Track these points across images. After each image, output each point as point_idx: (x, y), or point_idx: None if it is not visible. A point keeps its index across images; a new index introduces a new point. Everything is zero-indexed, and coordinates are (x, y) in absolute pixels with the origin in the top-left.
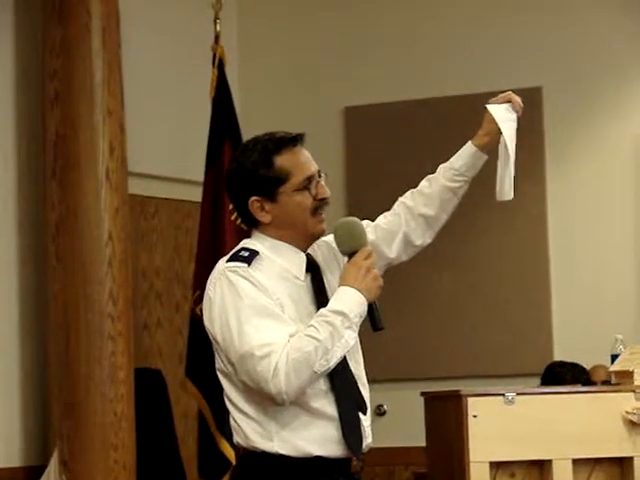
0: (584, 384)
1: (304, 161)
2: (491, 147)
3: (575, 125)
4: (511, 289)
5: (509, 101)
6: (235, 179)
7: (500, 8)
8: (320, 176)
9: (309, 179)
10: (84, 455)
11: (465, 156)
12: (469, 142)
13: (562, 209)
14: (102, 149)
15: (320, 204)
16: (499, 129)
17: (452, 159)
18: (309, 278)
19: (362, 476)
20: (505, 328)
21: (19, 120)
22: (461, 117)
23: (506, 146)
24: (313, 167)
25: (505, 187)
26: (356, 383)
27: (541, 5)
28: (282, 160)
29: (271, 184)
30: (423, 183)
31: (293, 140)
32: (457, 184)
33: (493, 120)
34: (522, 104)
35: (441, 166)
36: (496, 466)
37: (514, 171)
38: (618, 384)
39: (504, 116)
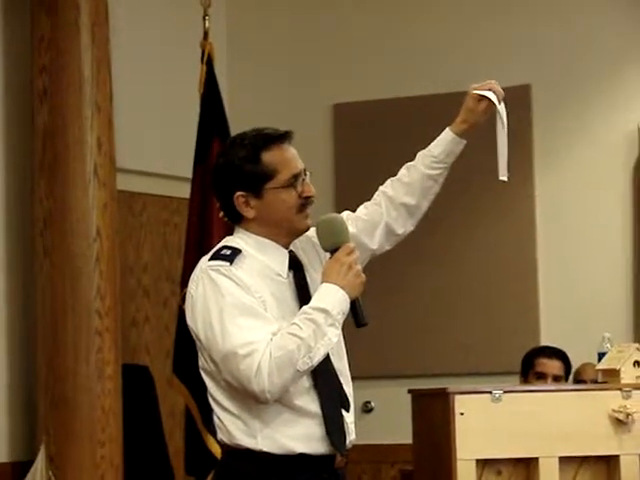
0: (573, 383)
1: (291, 158)
2: (469, 133)
3: (564, 123)
4: (499, 287)
5: (490, 89)
6: (221, 174)
7: (489, 6)
8: (306, 174)
9: (295, 177)
10: (71, 451)
11: (443, 143)
12: (447, 129)
13: (550, 207)
14: (90, 145)
15: (305, 202)
16: (478, 117)
17: (430, 146)
18: (292, 275)
19: (346, 472)
20: (492, 326)
21: (8, 115)
22: (450, 114)
23: (503, 125)
24: (300, 165)
25: (503, 166)
26: (339, 380)
27: (530, 3)
28: (269, 156)
29: (257, 180)
30: (402, 171)
31: (281, 137)
32: (437, 171)
33: (471, 109)
34: (495, 93)
35: (419, 153)
36: (483, 464)
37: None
38: (605, 382)
39: (496, 100)
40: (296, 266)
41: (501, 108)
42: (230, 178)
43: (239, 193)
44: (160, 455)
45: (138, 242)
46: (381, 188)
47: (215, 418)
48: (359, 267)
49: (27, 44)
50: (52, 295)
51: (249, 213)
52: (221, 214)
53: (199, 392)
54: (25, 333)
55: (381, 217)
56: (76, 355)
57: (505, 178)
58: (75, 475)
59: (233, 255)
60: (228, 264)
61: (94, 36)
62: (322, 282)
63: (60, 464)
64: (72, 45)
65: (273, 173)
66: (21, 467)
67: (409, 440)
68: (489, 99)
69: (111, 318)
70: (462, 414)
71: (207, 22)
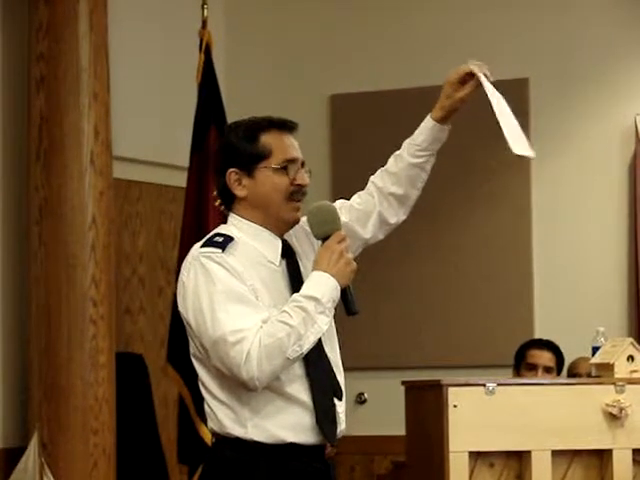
0: (568, 377)
1: (289, 145)
2: (451, 119)
3: (561, 116)
4: (493, 279)
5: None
6: (219, 152)
7: None
8: (303, 166)
9: (289, 161)
10: (64, 438)
11: (425, 131)
12: (428, 116)
13: (546, 200)
14: (87, 133)
15: (296, 190)
16: (455, 103)
17: (414, 134)
18: (284, 263)
19: (335, 461)
20: (487, 318)
21: (4, 102)
22: None
23: (500, 112)
24: (296, 153)
25: (518, 141)
26: (332, 369)
27: None
28: (267, 138)
29: (251, 158)
30: (390, 161)
31: (284, 124)
32: (421, 159)
33: (448, 94)
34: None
35: (405, 142)
36: (475, 456)
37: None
38: (599, 376)
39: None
40: (289, 254)
41: (485, 80)
42: (226, 156)
43: (232, 170)
44: (153, 443)
45: (134, 230)
46: (372, 178)
47: (206, 406)
48: (350, 255)
49: (24, 31)
50: (47, 283)
51: (240, 192)
52: (217, 202)
53: (193, 381)
54: (19, 320)
55: (374, 207)
56: (70, 343)
57: (519, 151)
58: (67, 462)
59: (225, 242)
60: (220, 251)
61: (92, 24)
62: (313, 270)
63: (53, 451)
64: (70, 33)
65: (268, 154)
66: (13, 453)
67: (402, 432)
68: (473, 74)
69: (106, 306)
70: (455, 406)
71: (205, 11)
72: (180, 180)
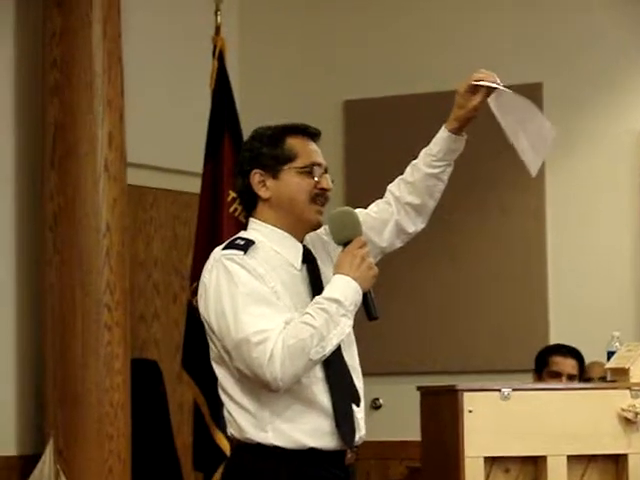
0: (581, 381)
1: (314, 150)
2: (466, 129)
3: (575, 121)
4: (508, 284)
5: (478, 81)
6: (244, 154)
7: (501, 3)
8: (326, 172)
9: (314, 165)
10: (79, 444)
11: (440, 141)
12: (443, 126)
13: (561, 204)
14: (101, 139)
15: (320, 193)
16: (468, 113)
17: (430, 144)
18: (305, 268)
19: (355, 468)
20: (502, 324)
21: (18, 109)
22: None
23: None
24: (321, 159)
25: (531, 162)
26: (350, 375)
27: (544, 1)
28: (292, 141)
29: (277, 160)
30: (407, 170)
31: (310, 131)
32: (438, 169)
33: (461, 105)
34: (486, 74)
35: (422, 151)
36: (491, 461)
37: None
38: (614, 381)
39: (500, 104)
40: (310, 259)
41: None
42: (251, 158)
43: (256, 171)
44: (168, 450)
45: (148, 237)
46: (389, 187)
47: (225, 412)
48: (371, 260)
49: (38, 38)
50: (61, 289)
51: (264, 193)
52: (236, 209)
53: (208, 387)
54: (35, 327)
55: (391, 215)
56: (85, 349)
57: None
58: (83, 469)
59: (247, 245)
60: (242, 253)
61: (106, 30)
62: (334, 274)
63: (68, 458)
64: (84, 40)
65: (293, 157)
66: (29, 460)
67: (417, 437)
68: (484, 86)
69: (120, 312)
70: (471, 412)
71: (219, 17)
72: (194, 186)
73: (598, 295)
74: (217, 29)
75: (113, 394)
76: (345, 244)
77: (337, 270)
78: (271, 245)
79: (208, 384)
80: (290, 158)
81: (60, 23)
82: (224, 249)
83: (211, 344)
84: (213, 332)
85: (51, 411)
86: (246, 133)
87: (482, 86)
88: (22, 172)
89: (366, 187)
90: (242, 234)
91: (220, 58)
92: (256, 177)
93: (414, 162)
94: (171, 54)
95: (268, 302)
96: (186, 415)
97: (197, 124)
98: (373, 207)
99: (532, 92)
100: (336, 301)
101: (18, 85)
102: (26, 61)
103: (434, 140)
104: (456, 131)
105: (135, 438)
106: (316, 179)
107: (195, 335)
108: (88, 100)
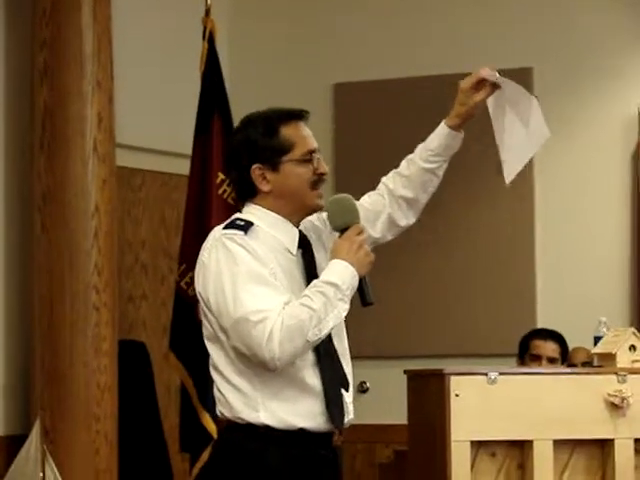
0: (563, 365)
1: (307, 135)
2: (465, 126)
3: (565, 106)
4: (496, 269)
5: (481, 79)
6: (238, 149)
7: None
8: (319, 154)
9: (311, 152)
10: (66, 425)
11: (439, 137)
12: (442, 122)
13: (549, 190)
14: (90, 120)
15: (319, 178)
16: (470, 110)
17: (428, 139)
18: (300, 253)
19: (342, 451)
20: (489, 308)
21: (7, 90)
22: (450, 96)
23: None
24: (315, 143)
25: (509, 172)
26: (339, 359)
27: None
28: (287, 130)
29: (274, 153)
30: (403, 164)
31: (299, 114)
32: (434, 165)
33: (463, 102)
34: (490, 72)
35: (419, 146)
36: (477, 445)
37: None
38: (601, 366)
39: (498, 104)
40: (305, 244)
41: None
42: (247, 152)
43: (256, 166)
44: (155, 431)
45: (137, 218)
46: (383, 179)
47: (215, 390)
48: (368, 247)
49: (28, 19)
50: (49, 270)
51: (265, 187)
52: (226, 193)
53: (195, 369)
54: (22, 308)
55: (384, 208)
56: (73, 330)
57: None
58: (70, 450)
59: (247, 226)
60: (242, 233)
61: (95, 11)
62: (331, 259)
63: (55, 438)
64: (73, 20)
65: (290, 147)
66: (16, 441)
67: (404, 420)
68: (488, 84)
69: (108, 294)
70: (457, 395)
71: None
72: (183, 168)
73: (586, 281)
74: (207, 11)
75: (100, 375)
76: (342, 230)
77: (335, 255)
78: (268, 229)
79: (195, 366)
80: (287, 149)
81: (50, 4)
82: (224, 228)
83: (206, 322)
84: (210, 310)
85: (38, 392)
86: (236, 115)
87: (486, 83)
88: (11, 153)
89: (355, 170)
90: (239, 215)
91: (210, 40)
92: (256, 172)
93: (410, 156)
94: (161, 35)
95: (267, 282)
96: (173, 396)
97: (186, 106)
98: (366, 198)
99: (522, 77)
100: (334, 285)
101: (7, 66)
102: (15, 42)
103: (432, 135)
104: (456, 128)
105: (122, 419)
106: (314, 165)
107: (183, 317)
108: (77, 81)
